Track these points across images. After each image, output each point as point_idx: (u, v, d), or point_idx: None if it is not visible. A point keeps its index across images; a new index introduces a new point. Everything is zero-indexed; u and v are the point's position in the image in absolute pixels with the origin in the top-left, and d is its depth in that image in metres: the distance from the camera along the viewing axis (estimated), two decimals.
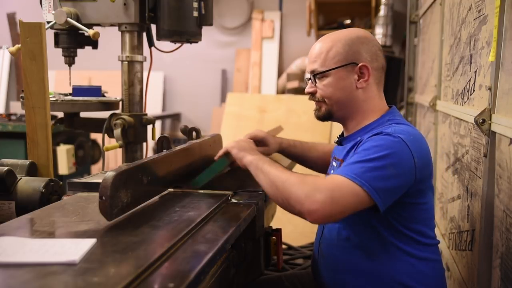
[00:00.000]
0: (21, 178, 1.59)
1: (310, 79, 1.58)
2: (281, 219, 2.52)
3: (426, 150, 1.44)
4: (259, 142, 1.80)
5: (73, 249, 1.03)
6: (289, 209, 1.35)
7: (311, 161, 1.90)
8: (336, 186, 1.30)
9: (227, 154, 1.64)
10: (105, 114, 2.16)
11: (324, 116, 1.58)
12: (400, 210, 1.42)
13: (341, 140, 1.62)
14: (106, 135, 2.15)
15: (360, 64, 1.50)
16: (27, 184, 1.57)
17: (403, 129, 1.42)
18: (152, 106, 5.80)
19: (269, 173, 1.41)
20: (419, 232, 1.45)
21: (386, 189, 1.32)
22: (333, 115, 1.57)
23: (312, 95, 1.58)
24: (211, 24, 2.15)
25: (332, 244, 1.53)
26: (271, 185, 1.39)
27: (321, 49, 1.54)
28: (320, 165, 1.91)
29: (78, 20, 2.03)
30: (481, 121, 1.52)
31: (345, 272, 1.49)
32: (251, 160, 1.49)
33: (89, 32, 1.97)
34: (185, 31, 2.08)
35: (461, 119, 1.97)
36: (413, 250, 1.44)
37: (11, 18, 6.45)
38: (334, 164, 1.61)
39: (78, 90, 2.17)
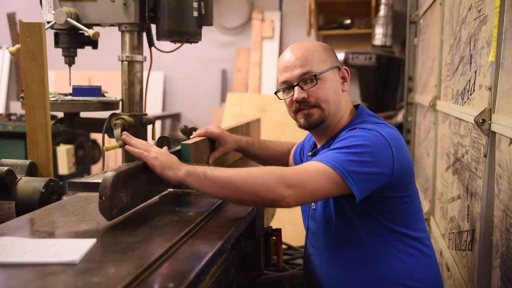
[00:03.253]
0: (21, 178, 1.59)
1: (296, 85, 1.50)
2: (281, 219, 2.52)
3: (403, 144, 1.46)
4: (216, 140, 1.75)
5: (73, 249, 1.03)
6: (258, 202, 1.33)
7: (269, 159, 1.88)
8: (305, 169, 1.33)
9: (187, 149, 1.56)
10: (105, 114, 2.16)
11: (316, 123, 1.52)
12: (384, 205, 1.42)
13: (315, 152, 1.60)
14: (106, 135, 2.15)
15: (342, 68, 1.56)
16: (27, 184, 1.57)
17: (378, 126, 1.45)
18: (152, 106, 5.80)
19: (219, 176, 1.30)
20: (407, 225, 1.46)
21: (360, 173, 1.32)
22: (325, 120, 1.52)
23: (301, 103, 1.51)
24: (211, 24, 2.14)
25: (324, 248, 1.53)
26: (228, 187, 1.29)
27: (307, 53, 1.51)
28: (278, 163, 1.89)
29: (78, 20, 2.03)
30: (481, 121, 1.52)
31: (339, 275, 1.48)
32: (188, 171, 1.32)
33: (89, 32, 1.97)
34: (185, 31, 2.08)
35: (461, 119, 1.97)
36: (402, 246, 1.45)
37: (11, 18, 6.45)
38: None
39: (78, 90, 2.17)
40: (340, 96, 1.54)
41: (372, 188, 1.36)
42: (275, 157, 1.90)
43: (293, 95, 1.52)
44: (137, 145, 1.38)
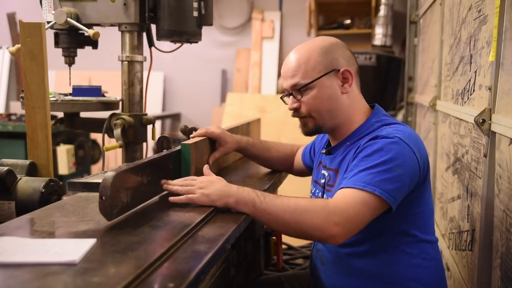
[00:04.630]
0: (21, 178, 1.59)
1: (291, 94, 1.52)
2: None
3: (422, 145, 1.45)
4: (216, 140, 1.76)
5: (73, 249, 1.03)
6: (304, 237, 1.34)
7: (270, 160, 1.88)
8: (349, 203, 1.30)
9: (187, 149, 1.56)
10: (105, 114, 2.16)
11: (313, 131, 1.54)
12: (404, 208, 1.40)
13: (329, 150, 1.59)
14: (106, 135, 2.15)
15: (342, 69, 1.50)
16: (27, 184, 1.57)
17: (397, 128, 1.43)
18: (152, 106, 5.80)
19: (267, 209, 1.31)
20: (420, 229, 1.45)
21: (396, 188, 1.32)
22: (322, 128, 1.53)
23: (296, 111, 1.53)
24: (211, 24, 2.15)
25: (332, 251, 1.51)
26: (275, 222, 1.32)
27: (298, 61, 1.49)
28: (280, 165, 1.89)
29: (78, 20, 2.03)
30: (481, 121, 1.52)
31: (346, 277, 1.48)
32: (237, 201, 1.34)
33: (89, 32, 1.97)
34: (185, 31, 2.08)
35: (461, 119, 1.97)
36: (414, 250, 1.44)
37: (11, 18, 6.45)
38: (325, 172, 1.59)
39: (78, 90, 2.17)
40: (338, 101, 1.50)
41: (404, 196, 1.37)
42: (279, 158, 1.89)
43: None
44: (179, 190, 1.40)
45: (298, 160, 1.90)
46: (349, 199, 1.31)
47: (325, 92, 1.49)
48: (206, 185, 1.38)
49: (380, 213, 1.34)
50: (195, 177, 1.44)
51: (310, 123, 1.52)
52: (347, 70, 1.50)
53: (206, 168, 1.53)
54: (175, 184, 1.43)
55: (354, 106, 1.53)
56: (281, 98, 1.60)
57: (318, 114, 1.50)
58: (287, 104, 1.58)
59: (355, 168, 1.37)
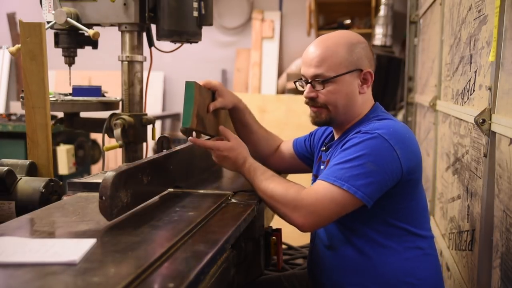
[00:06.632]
0: (21, 178, 1.59)
1: (309, 83, 1.52)
2: (281, 219, 2.52)
3: (410, 140, 1.45)
4: (214, 91, 1.69)
5: (73, 249, 1.03)
6: (283, 219, 1.45)
7: (256, 135, 1.81)
8: (318, 197, 1.37)
9: (191, 86, 1.54)
10: (105, 114, 2.16)
11: (325, 122, 1.56)
12: (391, 202, 1.42)
13: (328, 147, 1.61)
14: (106, 135, 2.15)
15: (365, 71, 1.51)
16: (27, 184, 1.57)
17: (383, 124, 1.44)
18: (152, 106, 5.80)
19: (258, 181, 1.48)
20: (411, 223, 1.46)
21: (368, 184, 1.34)
22: (334, 121, 1.54)
23: (312, 100, 1.53)
24: (211, 24, 2.14)
25: (326, 246, 1.53)
26: (262, 195, 1.48)
27: (325, 53, 1.49)
28: (262, 144, 1.83)
29: (78, 20, 2.03)
30: (481, 121, 1.52)
31: (340, 272, 1.49)
32: (243, 169, 1.53)
33: (89, 32, 1.97)
34: (185, 31, 2.08)
35: (461, 119, 1.98)
36: (408, 244, 1.44)
37: (11, 18, 6.45)
38: (322, 167, 1.61)
39: (78, 90, 2.17)
40: (354, 99, 1.52)
41: (382, 192, 1.38)
42: (264, 138, 1.83)
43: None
44: (211, 146, 1.56)
45: (286, 149, 1.85)
46: (319, 193, 1.37)
47: (344, 89, 1.50)
48: (231, 149, 1.54)
49: (354, 207, 1.37)
50: (222, 143, 1.55)
51: (323, 114, 1.53)
52: (369, 72, 1.52)
53: (223, 130, 1.61)
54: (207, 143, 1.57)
55: (364, 105, 1.56)
56: (294, 82, 1.61)
57: (334, 108, 1.52)
58: (299, 89, 1.59)
59: (333, 161, 1.42)
